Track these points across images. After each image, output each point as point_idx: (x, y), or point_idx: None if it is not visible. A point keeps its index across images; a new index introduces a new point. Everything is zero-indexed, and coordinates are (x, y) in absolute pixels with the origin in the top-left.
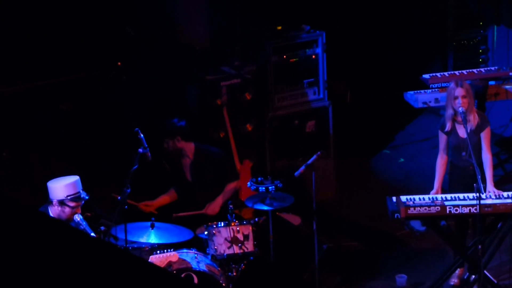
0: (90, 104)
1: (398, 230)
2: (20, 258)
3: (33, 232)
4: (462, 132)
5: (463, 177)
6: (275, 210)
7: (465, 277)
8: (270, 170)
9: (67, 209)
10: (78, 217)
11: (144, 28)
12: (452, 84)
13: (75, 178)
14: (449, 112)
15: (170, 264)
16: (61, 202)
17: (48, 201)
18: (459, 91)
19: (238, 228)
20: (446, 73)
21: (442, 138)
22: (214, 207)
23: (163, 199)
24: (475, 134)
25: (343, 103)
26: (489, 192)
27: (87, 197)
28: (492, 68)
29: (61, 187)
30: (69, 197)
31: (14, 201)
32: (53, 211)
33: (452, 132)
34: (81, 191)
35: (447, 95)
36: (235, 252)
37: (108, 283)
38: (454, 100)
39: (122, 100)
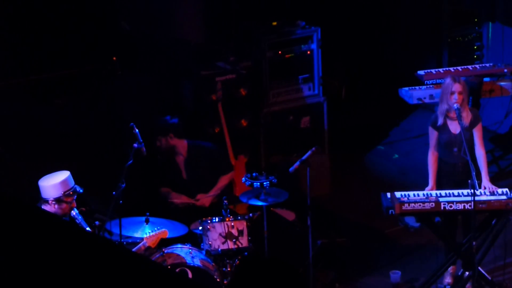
0: (85, 99)
1: (392, 226)
2: (18, 253)
3: (30, 227)
4: (454, 128)
5: (452, 174)
6: (270, 205)
7: (459, 273)
8: (265, 165)
9: (64, 205)
10: (73, 212)
11: (139, 23)
12: (449, 80)
13: (67, 173)
14: (443, 107)
15: (163, 253)
16: (58, 200)
17: (42, 200)
18: (457, 87)
19: (232, 224)
20: (441, 70)
21: (433, 135)
22: (205, 199)
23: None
24: (467, 131)
25: (338, 99)
26: (484, 187)
27: (81, 191)
28: (487, 65)
29: (57, 185)
30: (65, 193)
31: (12, 197)
32: (49, 209)
33: (444, 128)
34: (74, 185)
35: (443, 90)
36: (230, 247)
37: (103, 277)
38: (451, 96)
39: (117, 95)
